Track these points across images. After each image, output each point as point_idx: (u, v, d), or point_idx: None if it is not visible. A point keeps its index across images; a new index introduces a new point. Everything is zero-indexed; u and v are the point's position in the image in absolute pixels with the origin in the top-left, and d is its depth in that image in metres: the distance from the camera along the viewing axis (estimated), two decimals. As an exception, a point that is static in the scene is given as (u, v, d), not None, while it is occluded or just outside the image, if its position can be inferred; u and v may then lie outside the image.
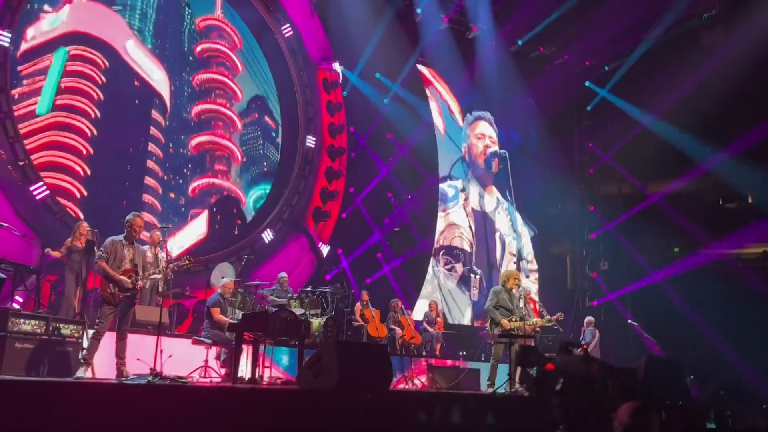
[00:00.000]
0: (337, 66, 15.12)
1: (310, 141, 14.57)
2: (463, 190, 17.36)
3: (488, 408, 6.24)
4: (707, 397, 8.29)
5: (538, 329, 10.01)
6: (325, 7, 14.93)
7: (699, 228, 15.41)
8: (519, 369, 8.07)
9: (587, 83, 17.97)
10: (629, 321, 13.42)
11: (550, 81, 17.45)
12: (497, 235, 17.85)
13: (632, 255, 16.36)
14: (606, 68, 17.49)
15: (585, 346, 4.26)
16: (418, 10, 15.60)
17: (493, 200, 17.99)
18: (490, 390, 8.89)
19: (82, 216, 10.70)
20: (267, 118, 14.59)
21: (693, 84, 14.11)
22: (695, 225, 15.45)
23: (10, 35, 10.32)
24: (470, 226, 17.30)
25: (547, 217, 18.25)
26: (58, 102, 11.24)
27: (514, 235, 18.06)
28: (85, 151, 11.43)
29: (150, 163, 12.46)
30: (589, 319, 13.14)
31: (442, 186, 16.86)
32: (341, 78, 15.23)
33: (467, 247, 17.09)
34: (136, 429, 4.79)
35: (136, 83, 12.31)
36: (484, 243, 17.53)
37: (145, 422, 4.87)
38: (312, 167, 14.54)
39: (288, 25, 14.54)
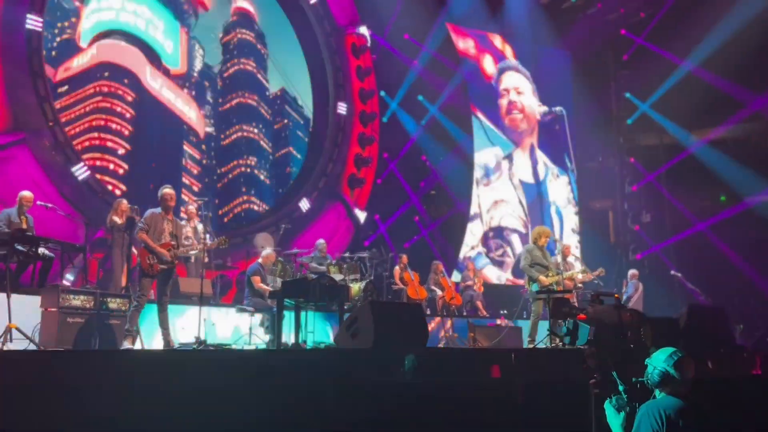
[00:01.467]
0: (364, 30, 14.98)
1: (341, 108, 14.56)
2: (506, 157, 16.47)
3: (527, 362, 6.27)
4: (753, 343, 8.17)
5: (579, 285, 9.95)
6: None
7: (747, 174, 14.96)
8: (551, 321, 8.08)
9: (623, 31, 17.41)
10: (672, 272, 13.19)
11: (583, 31, 17.00)
12: (553, 209, 16.74)
13: (675, 205, 16.01)
14: (642, 14, 16.91)
15: (617, 296, 4.22)
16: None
17: (541, 167, 16.89)
18: (531, 346, 8.89)
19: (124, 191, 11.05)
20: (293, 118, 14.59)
21: (732, 25, 13.56)
22: (742, 171, 15.00)
23: (41, 20, 10.52)
24: (520, 201, 16.11)
25: (586, 171, 17.93)
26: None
27: (575, 203, 17.24)
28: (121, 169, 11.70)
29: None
30: (632, 272, 12.94)
31: (479, 155, 16.01)
32: (369, 42, 15.10)
33: (520, 227, 15.88)
34: (184, 394, 4.96)
35: (164, 114, 12.43)
36: (540, 219, 16.12)
37: (192, 388, 5.05)
38: (344, 134, 14.55)
39: (313, -9, 14.44)
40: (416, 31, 15.29)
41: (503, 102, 17.01)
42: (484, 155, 16.21)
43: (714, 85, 14.68)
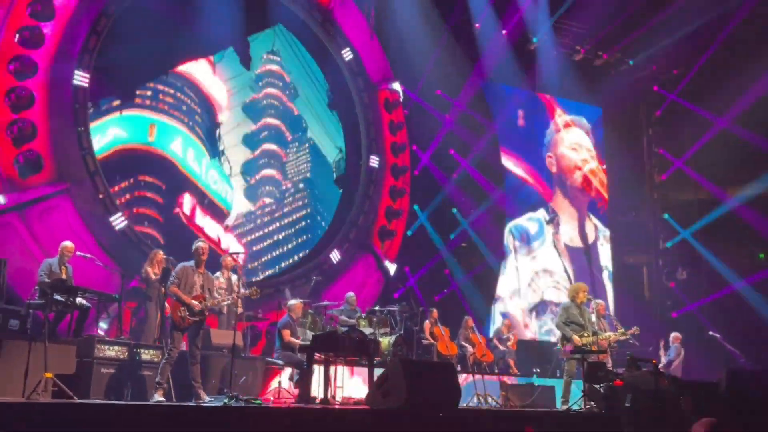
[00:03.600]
0: (397, 85, 15.27)
1: (374, 161, 14.73)
2: (549, 221, 16.24)
3: (561, 426, 6.11)
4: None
5: (614, 344, 9.73)
6: (383, 26, 15.12)
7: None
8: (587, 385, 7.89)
9: (655, 88, 17.47)
10: (711, 333, 12.82)
11: (616, 88, 17.11)
12: (604, 274, 16.25)
13: (711, 263, 15.69)
14: (674, 72, 16.98)
15: (654, 361, 4.11)
16: (477, 25, 15.60)
17: (591, 229, 16.58)
18: (564, 407, 8.67)
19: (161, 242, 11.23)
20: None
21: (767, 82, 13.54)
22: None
23: (88, 76, 10.93)
24: (566, 270, 15.72)
25: (620, 226, 17.76)
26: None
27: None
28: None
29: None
30: (675, 335, 12.59)
31: (519, 222, 15.81)
32: (402, 97, 15.37)
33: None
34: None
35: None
36: (590, 288, 15.27)
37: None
38: (376, 186, 14.68)
39: (348, 48, 14.79)
40: (448, 87, 15.54)
41: (573, 155, 16.88)
42: (524, 222, 15.97)
43: (749, 142, 14.57)
